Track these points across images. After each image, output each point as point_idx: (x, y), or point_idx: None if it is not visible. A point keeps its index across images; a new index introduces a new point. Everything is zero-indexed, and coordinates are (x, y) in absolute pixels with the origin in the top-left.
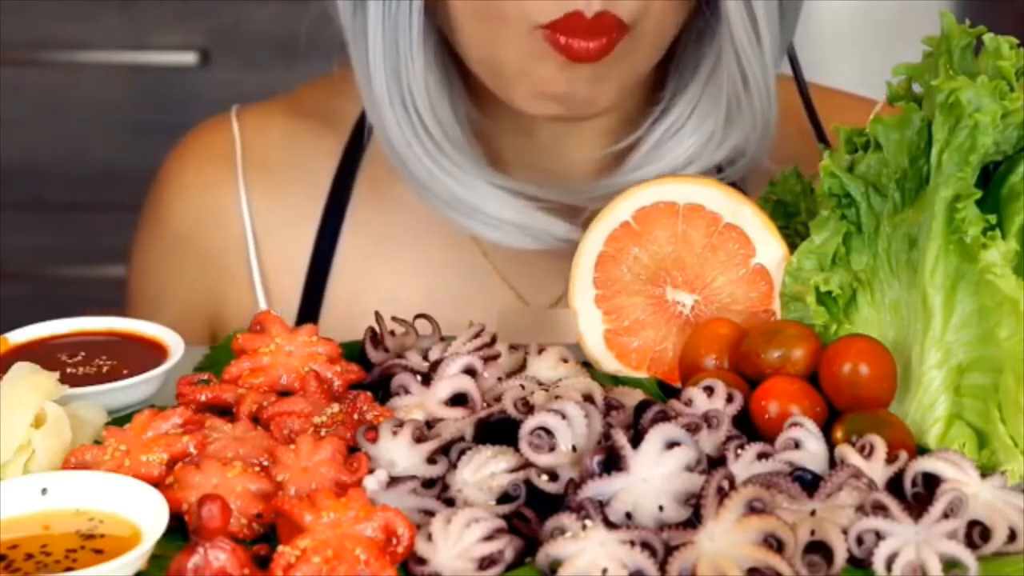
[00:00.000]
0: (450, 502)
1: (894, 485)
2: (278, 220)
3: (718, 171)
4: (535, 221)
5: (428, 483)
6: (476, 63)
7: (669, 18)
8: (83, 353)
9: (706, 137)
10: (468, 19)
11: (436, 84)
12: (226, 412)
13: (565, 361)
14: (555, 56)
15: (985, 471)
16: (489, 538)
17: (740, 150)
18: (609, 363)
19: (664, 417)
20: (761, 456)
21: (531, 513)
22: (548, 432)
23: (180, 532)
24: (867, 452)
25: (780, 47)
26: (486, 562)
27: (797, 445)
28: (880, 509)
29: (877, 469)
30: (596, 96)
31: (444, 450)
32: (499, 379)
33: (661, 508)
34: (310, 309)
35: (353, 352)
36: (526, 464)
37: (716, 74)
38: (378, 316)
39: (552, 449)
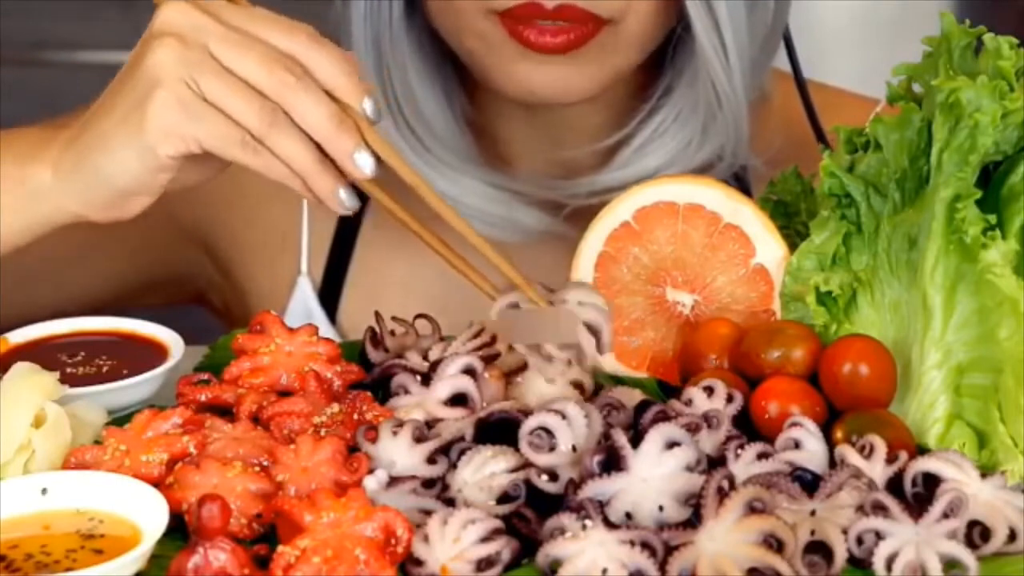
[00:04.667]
0: (450, 502)
1: (894, 485)
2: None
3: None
4: (514, 213)
5: (428, 483)
6: (457, 53)
7: (655, 19)
8: (83, 353)
9: (685, 143)
10: (435, 13)
11: (423, 79)
12: (226, 412)
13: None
14: (514, 44)
15: (985, 471)
16: (487, 539)
17: (717, 155)
18: (609, 363)
19: (664, 417)
20: (761, 456)
21: (531, 513)
22: (548, 432)
23: (180, 532)
24: (867, 452)
25: (753, 72)
26: (484, 564)
27: (797, 445)
28: (880, 509)
29: (877, 469)
30: (570, 85)
31: (444, 450)
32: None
33: (661, 508)
34: (331, 286)
35: (353, 352)
36: (526, 464)
37: (695, 85)
38: (378, 316)
39: (552, 449)
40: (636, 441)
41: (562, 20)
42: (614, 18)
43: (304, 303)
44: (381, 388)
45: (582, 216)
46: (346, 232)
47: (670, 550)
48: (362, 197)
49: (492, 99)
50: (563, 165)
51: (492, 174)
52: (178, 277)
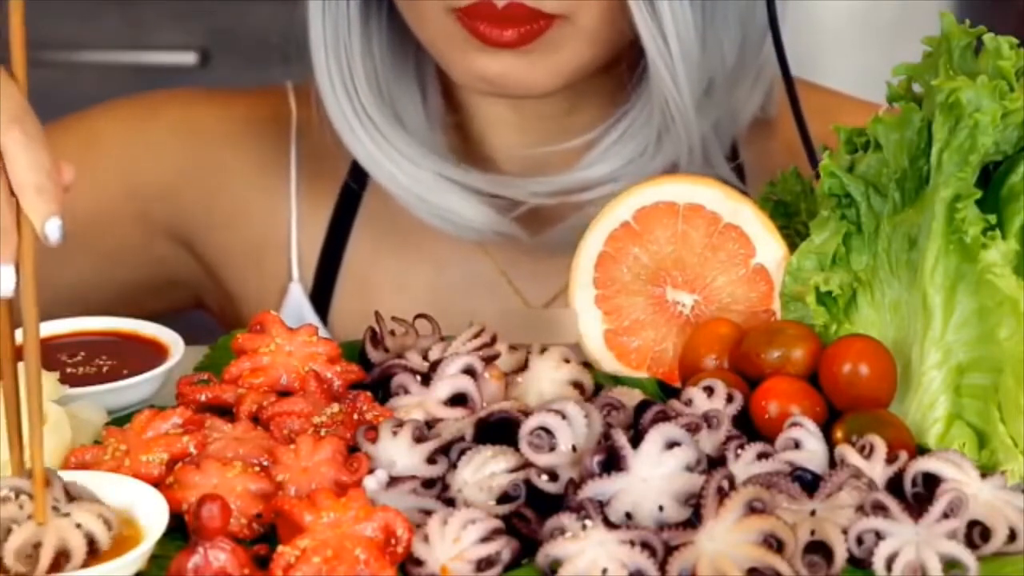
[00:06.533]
0: (450, 502)
1: (894, 485)
2: (305, 201)
3: None
4: (463, 209)
5: (428, 483)
6: (422, 44)
7: (607, 16)
8: (83, 353)
9: (640, 150)
10: (400, 5)
11: (388, 72)
12: (226, 412)
13: (567, 361)
14: (472, 40)
15: (985, 471)
16: (487, 539)
17: (673, 164)
18: (609, 363)
19: (664, 417)
20: (761, 456)
21: (531, 513)
22: (548, 432)
23: (180, 532)
24: (867, 452)
25: (736, 88)
26: (484, 564)
27: (797, 445)
28: (880, 509)
29: (877, 469)
30: (528, 79)
31: (444, 450)
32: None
33: (661, 508)
34: (323, 290)
35: (353, 352)
36: (526, 464)
37: (651, 94)
38: (378, 316)
39: (552, 449)
40: (636, 441)
41: (511, 19)
42: (565, 14)
43: (296, 310)
44: (381, 388)
45: (536, 219)
46: (336, 236)
47: (670, 550)
48: (355, 201)
49: (467, 96)
50: (540, 167)
51: (450, 167)
52: (173, 280)
